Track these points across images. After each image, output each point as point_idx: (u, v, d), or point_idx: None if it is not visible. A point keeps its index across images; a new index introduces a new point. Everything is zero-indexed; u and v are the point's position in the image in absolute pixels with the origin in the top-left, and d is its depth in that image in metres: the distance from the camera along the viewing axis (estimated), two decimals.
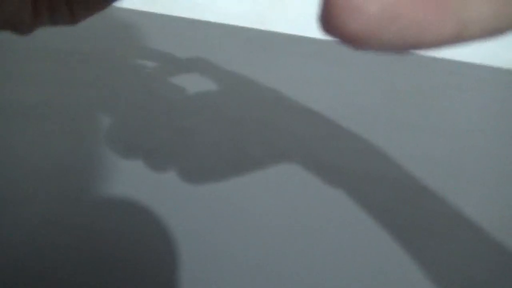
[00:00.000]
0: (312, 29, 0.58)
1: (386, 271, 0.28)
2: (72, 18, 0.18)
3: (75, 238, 0.28)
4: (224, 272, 0.27)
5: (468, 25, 0.09)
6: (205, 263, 0.28)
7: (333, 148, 0.37)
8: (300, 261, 0.28)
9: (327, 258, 0.29)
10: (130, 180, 0.33)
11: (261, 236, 0.30)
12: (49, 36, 0.52)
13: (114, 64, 0.47)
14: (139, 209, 0.31)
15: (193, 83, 0.45)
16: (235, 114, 0.41)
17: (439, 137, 0.40)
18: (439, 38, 0.09)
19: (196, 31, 0.56)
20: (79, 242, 0.28)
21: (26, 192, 0.31)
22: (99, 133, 0.37)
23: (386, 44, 0.09)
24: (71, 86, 0.42)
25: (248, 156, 0.36)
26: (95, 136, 0.36)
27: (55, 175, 0.33)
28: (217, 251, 0.29)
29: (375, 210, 0.32)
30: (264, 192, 0.33)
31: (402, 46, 0.09)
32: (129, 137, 0.36)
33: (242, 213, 0.31)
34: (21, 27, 0.17)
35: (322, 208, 0.32)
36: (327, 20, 0.08)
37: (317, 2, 0.56)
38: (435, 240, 0.30)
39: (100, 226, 0.29)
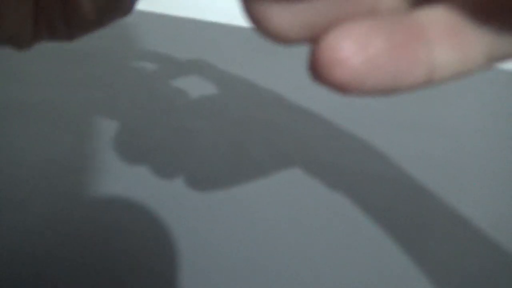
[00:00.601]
0: None
1: (385, 270, 0.28)
2: (70, 36, 0.19)
3: (75, 238, 0.28)
4: (224, 273, 0.27)
5: (436, 71, 0.10)
6: (205, 263, 0.28)
7: (333, 148, 0.37)
8: (300, 261, 0.28)
9: (327, 258, 0.29)
10: (130, 180, 0.33)
11: (261, 236, 0.30)
12: None
13: (114, 64, 0.47)
14: (139, 209, 0.31)
15: (193, 83, 0.45)
16: (235, 114, 0.41)
17: (439, 137, 0.40)
18: (412, 83, 0.10)
19: (196, 31, 0.56)
20: (78, 242, 0.28)
21: (25, 191, 0.31)
22: (99, 133, 0.37)
23: (367, 91, 0.10)
24: (71, 86, 0.42)
25: (248, 156, 0.36)
26: (95, 136, 0.36)
27: (54, 174, 0.33)
28: (217, 252, 0.29)
29: (375, 209, 0.32)
30: (264, 192, 0.33)
31: (382, 92, 0.10)
32: (129, 137, 0.36)
33: (242, 213, 0.31)
34: (20, 45, 0.18)
35: (322, 207, 0.32)
36: (315, 70, 0.10)
37: None
38: (434, 240, 0.30)
39: (99, 226, 0.29)
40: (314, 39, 0.10)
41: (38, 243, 0.28)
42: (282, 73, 0.47)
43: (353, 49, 0.09)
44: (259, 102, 0.43)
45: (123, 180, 0.33)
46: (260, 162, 0.35)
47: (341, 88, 0.10)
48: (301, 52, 0.53)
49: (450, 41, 0.10)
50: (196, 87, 0.44)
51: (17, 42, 0.19)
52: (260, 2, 0.10)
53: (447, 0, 0.11)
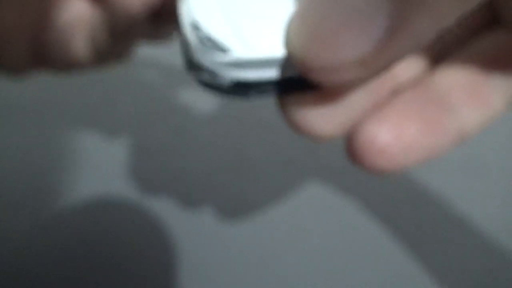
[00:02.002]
0: None
1: (388, 271, 0.28)
2: (66, 71, 0.20)
3: (74, 238, 0.28)
4: (224, 273, 0.27)
5: (466, 131, 0.11)
6: (205, 263, 0.28)
7: (334, 148, 0.37)
8: (300, 262, 0.28)
9: (328, 258, 0.29)
10: (130, 180, 0.33)
11: (262, 236, 0.30)
12: None
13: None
14: (138, 209, 0.31)
15: (193, 83, 0.44)
16: (235, 114, 0.40)
17: None
18: (446, 149, 0.11)
19: None
20: (78, 241, 0.28)
21: (25, 191, 0.31)
22: (98, 133, 0.37)
23: (406, 168, 0.10)
24: (71, 86, 0.42)
25: (248, 156, 0.36)
26: (95, 136, 0.36)
27: (54, 174, 0.33)
28: (217, 252, 0.28)
29: (377, 210, 0.32)
30: (264, 192, 0.33)
31: (421, 162, 0.11)
32: (129, 137, 0.36)
33: (242, 212, 0.31)
34: (17, 74, 0.19)
35: (322, 207, 0.32)
36: (354, 157, 0.10)
37: None
38: (437, 242, 0.30)
39: (99, 225, 0.29)
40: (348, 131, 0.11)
41: (37, 243, 0.28)
42: None
43: (390, 138, 0.10)
44: (259, 102, 0.42)
45: (123, 180, 0.33)
46: (260, 162, 0.35)
47: (380, 172, 0.10)
48: None
49: (472, 102, 0.11)
50: (196, 86, 0.44)
51: (12, 73, 0.19)
52: (299, 110, 0.10)
53: (460, 56, 0.12)
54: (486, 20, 0.12)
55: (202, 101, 0.42)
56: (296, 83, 0.10)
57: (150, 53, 0.50)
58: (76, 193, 0.31)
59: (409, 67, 0.12)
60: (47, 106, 0.39)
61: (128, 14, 0.15)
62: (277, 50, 0.10)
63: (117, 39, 0.17)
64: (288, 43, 0.09)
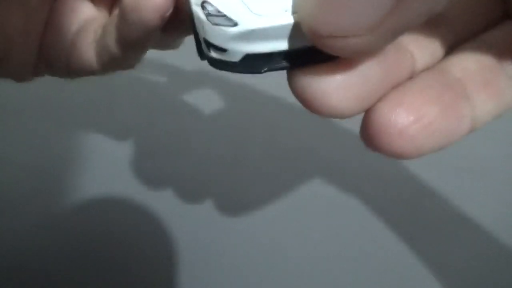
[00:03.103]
0: None
1: (390, 269, 0.28)
2: (69, 77, 0.20)
3: (74, 238, 0.28)
4: (224, 273, 0.27)
5: (478, 120, 0.11)
6: (205, 263, 0.28)
7: (334, 148, 0.37)
8: (301, 261, 0.28)
9: (329, 257, 0.29)
10: (130, 180, 0.33)
11: (262, 236, 0.30)
12: None
13: None
14: (139, 209, 0.31)
15: (193, 83, 0.45)
16: (235, 114, 0.40)
17: None
18: (459, 136, 0.11)
19: None
20: (78, 241, 0.28)
21: (25, 191, 0.31)
22: (98, 133, 0.37)
23: (424, 153, 0.10)
24: (70, 85, 0.42)
25: (248, 156, 0.36)
26: (95, 136, 0.36)
27: (54, 174, 0.33)
28: (216, 252, 0.28)
29: (377, 208, 0.32)
30: (264, 192, 0.33)
31: (435, 151, 0.10)
32: (129, 137, 0.36)
33: (242, 212, 0.31)
34: (21, 79, 0.19)
35: (323, 207, 0.32)
36: (370, 139, 0.10)
37: None
38: (437, 239, 0.30)
39: (99, 225, 0.29)
40: (366, 110, 0.10)
41: (37, 242, 0.28)
42: (282, 73, 0.47)
43: (410, 119, 0.10)
44: (259, 102, 0.42)
45: (122, 180, 0.33)
46: (260, 162, 0.35)
47: (398, 155, 0.10)
48: None
49: (486, 92, 0.11)
50: (195, 86, 0.44)
51: (17, 78, 0.19)
52: (311, 83, 0.10)
53: (473, 45, 0.11)
54: (499, 16, 0.12)
55: (203, 101, 0.42)
56: (306, 54, 0.10)
57: (153, 55, 0.50)
58: (78, 193, 0.31)
59: (425, 53, 0.11)
60: (50, 107, 0.39)
61: (144, 26, 0.15)
62: (286, 20, 0.09)
63: (128, 49, 0.17)
64: (297, 11, 0.09)
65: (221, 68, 0.11)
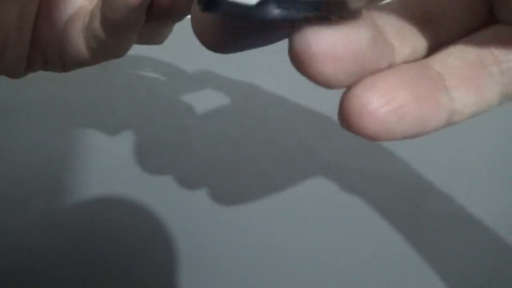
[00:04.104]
0: None
1: (387, 268, 0.28)
2: (64, 69, 0.20)
3: (74, 238, 0.28)
4: (224, 273, 0.27)
5: (455, 114, 0.11)
6: (205, 263, 0.28)
7: (334, 148, 0.37)
8: (301, 261, 0.28)
9: (329, 257, 0.29)
10: (130, 179, 0.33)
11: (262, 236, 0.30)
12: None
13: (114, 63, 0.47)
14: (139, 209, 0.31)
15: (192, 83, 0.45)
16: (235, 114, 0.41)
17: (442, 134, 0.40)
18: (435, 127, 0.11)
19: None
20: (78, 241, 0.28)
21: (25, 191, 0.31)
22: (98, 133, 0.37)
23: (395, 136, 0.10)
24: (70, 85, 0.42)
25: (248, 156, 0.36)
26: (95, 136, 0.36)
27: (54, 174, 0.33)
28: (217, 252, 0.29)
29: (377, 208, 0.32)
30: (264, 192, 0.33)
31: (407, 137, 0.11)
32: (129, 137, 0.36)
33: (242, 212, 0.31)
34: (15, 74, 0.19)
35: (323, 207, 0.32)
36: (345, 120, 0.10)
37: None
38: (438, 238, 0.30)
39: (99, 225, 0.29)
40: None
41: (37, 243, 0.28)
42: (282, 73, 0.47)
43: (380, 101, 0.10)
44: (259, 102, 0.43)
45: (123, 179, 0.33)
46: (260, 162, 0.35)
47: (369, 137, 0.10)
48: None
49: (466, 86, 0.11)
50: (195, 86, 0.44)
51: (11, 73, 0.19)
52: (311, 39, 0.10)
53: (458, 44, 0.12)
54: (485, 19, 0.12)
55: (203, 100, 0.42)
56: (323, 9, 0.09)
57: (153, 55, 0.50)
58: (78, 192, 0.31)
59: (407, 48, 0.12)
60: (50, 107, 0.39)
61: (125, 5, 0.15)
62: None
63: (113, 31, 0.17)
64: None
65: (225, 12, 0.10)
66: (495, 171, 0.37)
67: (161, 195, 0.32)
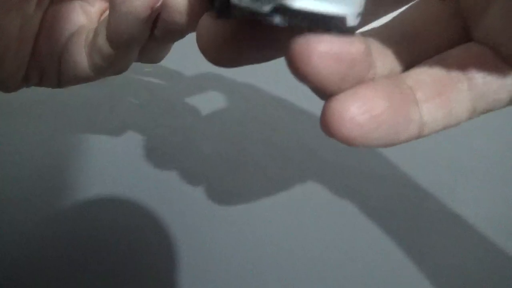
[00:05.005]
0: None
1: (385, 271, 0.28)
2: (59, 85, 0.20)
3: (74, 238, 0.28)
4: (224, 273, 0.27)
5: (425, 127, 0.12)
6: (205, 263, 0.28)
7: (334, 148, 0.37)
8: (300, 261, 0.28)
9: (327, 258, 0.29)
10: (130, 180, 0.33)
11: (262, 236, 0.30)
12: None
13: None
14: (139, 209, 0.31)
15: (192, 82, 0.45)
16: (235, 114, 0.41)
17: (441, 135, 0.40)
18: (408, 137, 0.12)
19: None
20: (78, 241, 0.28)
21: (25, 191, 0.31)
22: (98, 133, 0.37)
23: (370, 144, 0.11)
24: (76, 86, 0.42)
25: (248, 156, 0.36)
26: (95, 136, 0.36)
27: (54, 174, 0.33)
28: (217, 252, 0.29)
29: (375, 209, 0.32)
30: (264, 192, 0.33)
31: (382, 145, 0.12)
32: (129, 137, 0.36)
33: (242, 212, 0.31)
34: (9, 89, 0.19)
35: (323, 207, 0.32)
36: (326, 125, 0.11)
37: None
38: (437, 240, 0.30)
39: (99, 225, 0.29)
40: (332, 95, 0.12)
41: (37, 242, 0.28)
42: (282, 73, 0.47)
43: (360, 109, 0.11)
44: (259, 102, 0.43)
45: (123, 179, 0.33)
46: (260, 162, 0.35)
47: (348, 141, 0.11)
48: None
49: (435, 101, 0.12)
50: (195, 86, 0.44)
51: (5, 86, 0.19)
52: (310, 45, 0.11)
53: (432, 60, 0.13)
54: (459, 37, 0.13)
55: (204, 101, 0.42)
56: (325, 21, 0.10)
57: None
58: (78, 192, 0.31)
59: (386, 64, 0.13)
60: (50, 107, 0.39)
61: (134, 17, 0.15)
62: None
63: (118, 45, 0.17)
64: None
65: (239, 17, 0.11)
66: (494, 172, 0.37)
67: (162, 195, 0.32)
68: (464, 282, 0.28)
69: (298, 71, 0.11)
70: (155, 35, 0.17)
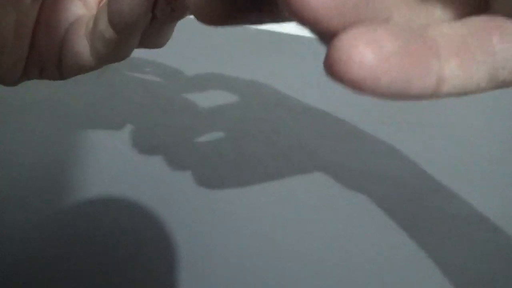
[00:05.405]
0: None
1: (389, 269, 0.28)
2: (60, 77, 0.20)
3: (75, 238, 0.28)
4: (224, 273, 0.27)
5: (444, 84, 0.11)
6: (205, 263, 0.28)
7: (334, 148, 0.37)
8: (302, 261, 0.28)
9: (329, 257, 0.29)
10: (130, 179, 0.33)
11: (262, 236, 0.30)
12: None
13: (114, 64, 0.47)
14: (139, 209, 0.31)
15: (192, 82, 0.45)
16: (235, 114, 0.41)
17: (444, 135, 0.40)
18: (422, 90, 0.11)
19: (195, 30, 0.56)
20: (78, 241, 0.28)
21: (25, 191, 0.31)
22: (98, 133, 0.37)
23: (380, 91, 0.10)
24: (71, 85, 0.42)
25: (248, 155, 0.36)
26: (95, 136, 0.36)
27: (54, 174, 0.33)
28: (217, 251, 0.29)
29: (377, 208, 0.32)
30: (264, 192, 0.33)
31: (393, 94, 0.11)
32: (129, 137, 0.36)
33: (242, 212, 0.31)
34: (9, 82, 0.19)
35: (323, 207, 0.32)
36: (331, 67, 0.10)
37: None
38: (440, 239, 0.30)
39: (99, 225, 0.29)
40: (333, 36, 0.10)
41: (37, 242, 0.28)
42: (282, 73, 0.47)
43: (369, 49, 0.10)
44: (259, 101, 0.43)
45: (123, 179, 0.33)
46: (260, 162, 0.35)
47: (355, 85, 0.10)
48: (302, 52, 0.53)
49: (458, 59, 0.11)
50: (195, 86, 0.44)
51: (5, 80, 0.19)
52: None
53: (454, 23, 0.12)
54: (478, 7, 0.12)
55: (204, 100, 0.42)
56: None
57: (153, 56, 0.50)
58: (78, 192, 0.31)
59: (402, 18, 0.12)
60: (50, 107, 0.39)
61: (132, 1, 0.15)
62: None
63: (120, 28, 0.17)
64: None
65: None
66: (497, 171, 0.37)
67: (161, 195, 0.32)
68: (470, 280, 0.28)
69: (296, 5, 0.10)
70: (156, 15, 0.17)
